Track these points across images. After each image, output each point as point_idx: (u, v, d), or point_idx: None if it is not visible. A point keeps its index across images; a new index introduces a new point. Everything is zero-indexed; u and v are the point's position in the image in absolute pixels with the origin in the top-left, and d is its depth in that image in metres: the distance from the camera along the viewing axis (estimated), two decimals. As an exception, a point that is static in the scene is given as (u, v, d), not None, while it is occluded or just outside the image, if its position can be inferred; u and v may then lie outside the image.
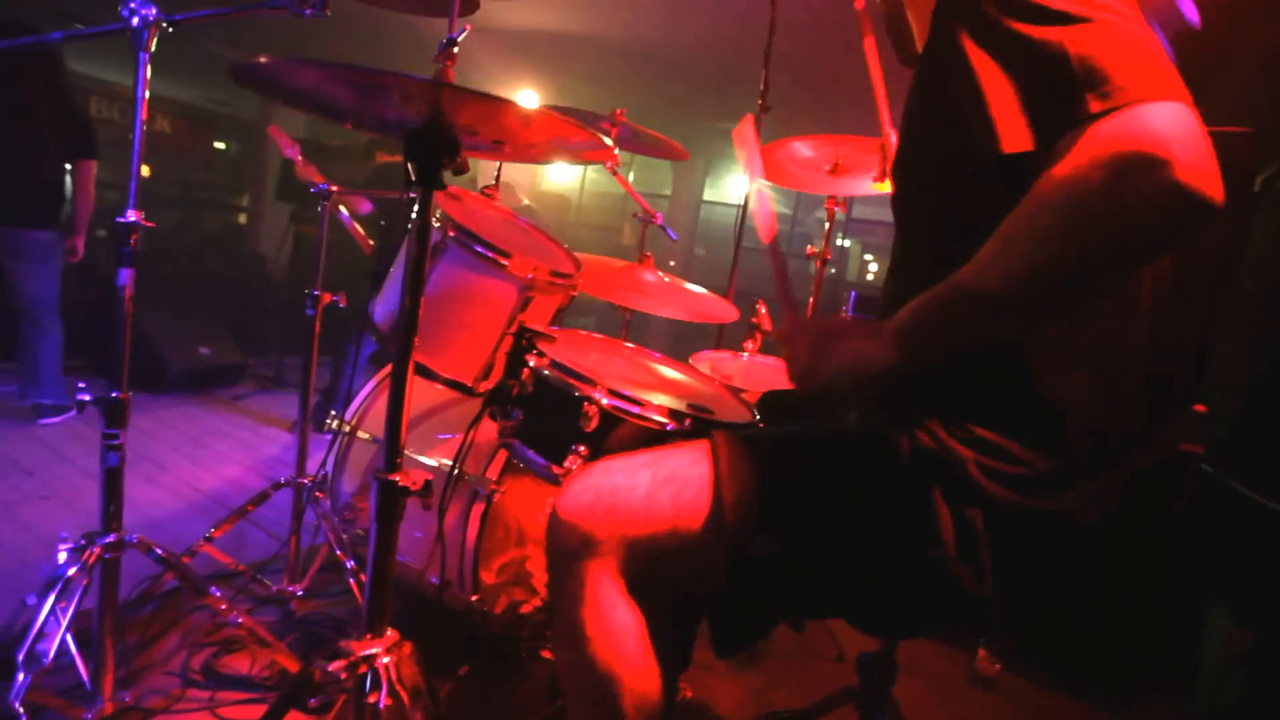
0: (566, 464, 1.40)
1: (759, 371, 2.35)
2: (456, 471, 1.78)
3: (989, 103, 0.92)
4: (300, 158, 3.83)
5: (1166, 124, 0.81)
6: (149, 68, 1.51)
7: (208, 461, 3.69)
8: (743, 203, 2.96)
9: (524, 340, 1.53)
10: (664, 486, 1.11)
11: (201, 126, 12.16)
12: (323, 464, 2.21)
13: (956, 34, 0.98)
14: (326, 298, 2.20)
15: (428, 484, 1.20)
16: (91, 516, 2.83)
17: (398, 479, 1.19)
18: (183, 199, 10.72)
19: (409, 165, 1.12)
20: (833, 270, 2.67)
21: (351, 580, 2.10)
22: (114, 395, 1.59)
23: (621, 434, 1.40)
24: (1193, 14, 2.57)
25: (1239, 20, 2.66)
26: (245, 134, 12.25)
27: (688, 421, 1.38)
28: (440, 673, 2.00)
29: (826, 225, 2.65)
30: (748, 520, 1.06)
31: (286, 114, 10.24)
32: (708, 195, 11.57)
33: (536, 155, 1.44)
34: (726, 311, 2.32)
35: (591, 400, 1.38)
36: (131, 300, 1.59)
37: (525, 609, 2.06)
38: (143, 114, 1.51)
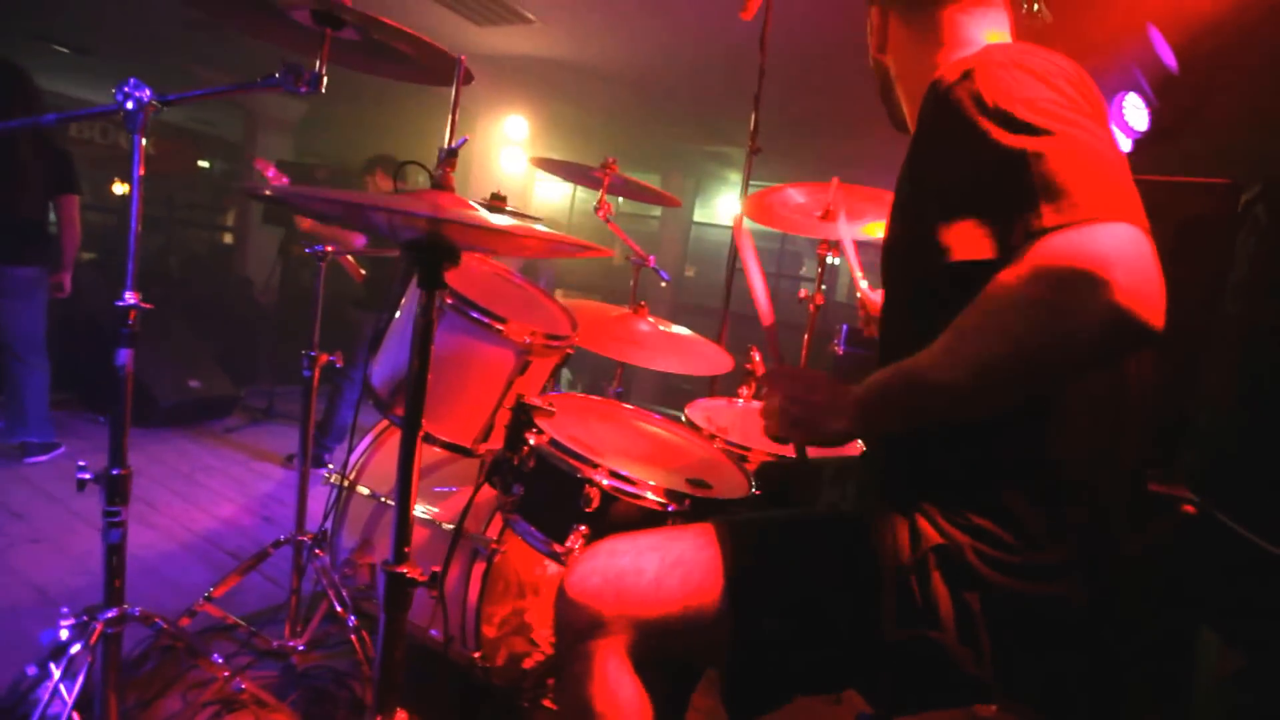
0: (568, 543, 1.43)
1: (754, 418, 2.37)
2: (459, 532, 1.81)
3: (952, 210, 0.99)
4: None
5: (1114, 246, 0.84)
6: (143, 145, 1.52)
7: (200, 500, 3.68)
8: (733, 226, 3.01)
9: (523, 415, 1.55)
10: (672, 570, 1.14)
11: (185, 146, 12.12)
12: (323, 521, 2.22)
13: (942, 132, 1.04)
14: (324, 358, 2.20)
15: (434, 575, 1.22)
16: (83, 560, 2.86)
17: (405, 570, 1.21)
18: (167, 219, 10.69)
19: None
20: (824, 286, 2.72)
21: (353, 636, 2.10)
22: (115, 472, 1.57)
23: (622, 512, 1.43)
24: (1171, 61, 2.64)
25: (1215, 65, 2.72)
26: (231, 153, 12.21)
27: (687, 502, 1.41)
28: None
29: (819, 269, 2.69)
30: (755, 603, 1.10)
31: (270, 138, 10.18)
32: (698, 216, 11.63)
33: (531, 254, 1.46)
34: (721, 361, 2.35)
35: (592, 482, 1.41)
36: (131, 379, 1.57)
37: (527, 663, 2.07)
38: (139, 197, 1.51)
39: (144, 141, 1.47)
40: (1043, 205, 0.88)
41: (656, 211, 11.95)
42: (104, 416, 4.62)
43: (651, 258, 2.77)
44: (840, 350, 3.77)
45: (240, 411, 5.23)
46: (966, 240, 0.97)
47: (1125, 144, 3.15)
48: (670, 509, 1.42)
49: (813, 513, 1.29)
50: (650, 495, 1.42)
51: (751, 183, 3.05)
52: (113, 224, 10.03)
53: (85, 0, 6.78)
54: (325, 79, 1.45)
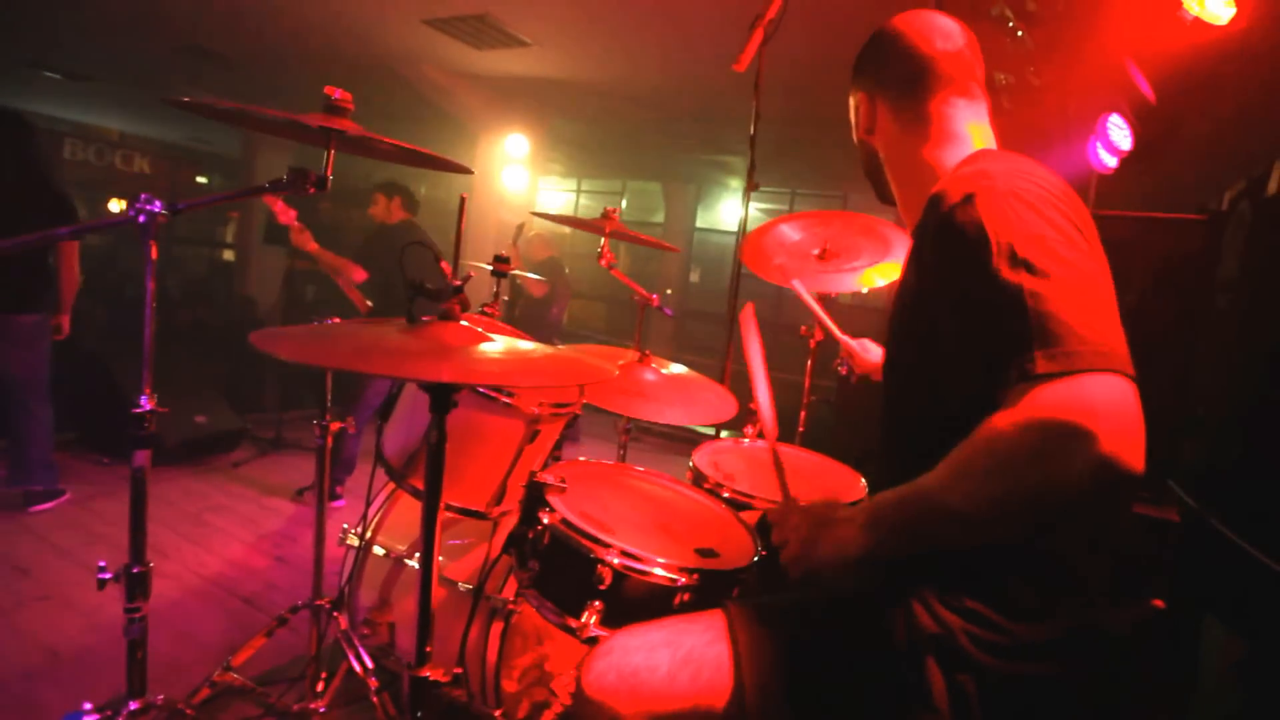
0: (583, 618, 1.48)
1: (760, 457, 2.42)
2: (479, 595, 1.87)
3: (957, 338, 1.06)
4: (297, 223, 3.87)
5: (1104, 400, 0.91)
6: (155, 251, 1.58)
7: (211, 542, 3.69)
8: (739, 228, 3.07)
9: (536, 493, 1.60)
10: (683, 667, 1.19)
11: (183, 165, 12.20)
12: (340, 584, 2.26)
13: (945, 253, 1.09)
14: (335, 426, 2.24)
15: (457, 677, 1.26)
16: (92, 616, 2.88)
17: (428, 674, 1.25)
18: (167, 237, 10.73)
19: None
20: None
21: (375, 698, 2.13)
22: (135, 570, 1.64)
23: (633, 589, 1.48)
24: (1148, 92, 2.70)
25: (1190, 93, 2.77)
26: (229, 170, 12.25)
27: (696, 576, 1.47)
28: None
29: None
30: (766, 698, 1.15)
31: (270, 156, 10.18)
32: (700, 222, 11.75)
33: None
34: (725, 407, 2.39)
35: (605, 562, 1.46)
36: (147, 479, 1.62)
37: (547, 715, 2.09)
38: (151, 302, 1.59)
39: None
40: (1038, 351, 0.95)
41: (659, 218, 12.09)
42: (108, 458, 4.63)
43: (655, 297, 2.79)
44: (844, 370, 3.79)
45: (248, 443, 5.23)
46: (971, 373, 1.03)
47: (1110, 161, 3.22)
48: (680, 582, 1.47)
49: (813, 599, 1.33)
50: (660, 571, 1.48)
51: (762, 189, 3.08)
52: (110, 243, 10.08)
53: (79, 28, 6.81)
54: (331, 179, 1.49)
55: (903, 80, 1.37)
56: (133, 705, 1.65)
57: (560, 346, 2.79)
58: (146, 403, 1.58)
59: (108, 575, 1.61)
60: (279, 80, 8.11)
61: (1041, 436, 0.92)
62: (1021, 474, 0.94)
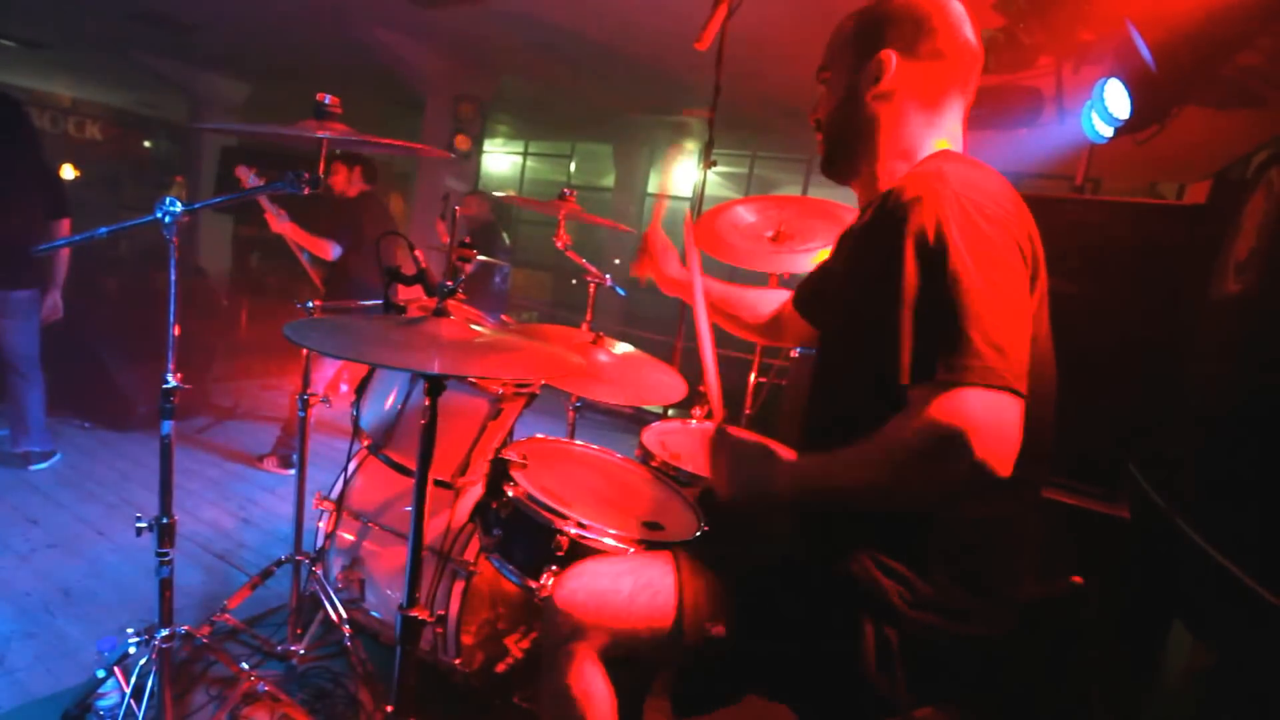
0: (542, 580, 1.69)
1: (706, 442, 2.58)
2: (444, 559, 2.08)
3: (898, 336, 1.16)
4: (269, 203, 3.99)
5: (986, 413, 1.06)
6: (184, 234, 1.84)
7: (183, 504, 3.88)
8: (694, 196, 3.18)
9: (500, 469, 1.82)
10: (642, 591, 1.41)
11: (131, 130, 12.04)
12: (318, 545, 2.49)
13: (885, 247, 1.20)
14: (316, 400, 2.43)
15: (440, 617, 1.49)
16: (94, 564, 3.20)
17: (417, 614, 1.48)
18: (114, 204, 10.61)
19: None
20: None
21: (348, 643, 2.35)
22: (164, 520, 1.93)
23: (587, 555, 1.69)
24: (1149, 58, 2.76)
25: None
26: (174, 134, 12.10)
27: (642, 548, 1.69)
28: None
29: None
30: (699, 618, 1.37)
31: (214, 120, 10.01)
32: (653, 187, 11.27)
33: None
34: (676, 389, 2.53)
35: (562, 532, 1.68)
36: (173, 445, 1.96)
37: (500, 667, 2.31)
38: (176, 295, 1.89)
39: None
40: (943, 357, 1.09)
41: (609, 182, 11.82)
42: (89, 423, 4.90)
43: (608, 277, 2.91)
44: (795, 353, 4.00)
45: (209, 409, 5.41)
46: (895, 360, 1.16)
47: (1107, 132, 3.12)
48: (629, 552, 1.67)
49: (760, 556, 1.53)
50: (611, 541, 1.69)
51: (717, 151, 3.14)
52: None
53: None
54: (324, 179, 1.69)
55: (934, 55, 1.37)
56: (163, 632, 1.96)
57: (511, 324, 2.96)
58: (172, 378, 1.89)
59: (144, 524, 1.91)
60: (230, 43, 8.00)
61: (927, 443, 1.08)
62: (907, 473, 1.12)
